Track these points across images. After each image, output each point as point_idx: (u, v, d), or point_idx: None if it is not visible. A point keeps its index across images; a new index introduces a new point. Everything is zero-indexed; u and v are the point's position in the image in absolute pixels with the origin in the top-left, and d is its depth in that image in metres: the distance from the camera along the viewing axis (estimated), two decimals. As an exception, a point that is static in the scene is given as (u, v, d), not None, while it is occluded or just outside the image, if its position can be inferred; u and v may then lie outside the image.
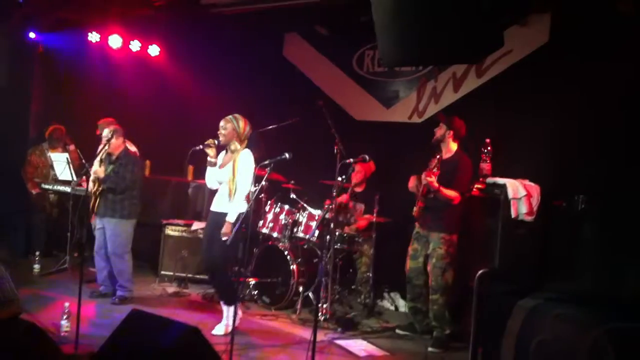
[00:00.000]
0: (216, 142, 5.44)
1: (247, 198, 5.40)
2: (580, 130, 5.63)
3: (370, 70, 7.67)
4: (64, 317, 4.93)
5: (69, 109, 8.16)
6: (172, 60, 8.75)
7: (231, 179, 5.37)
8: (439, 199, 5.52)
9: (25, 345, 3.92)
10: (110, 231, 6.21)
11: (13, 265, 6.33)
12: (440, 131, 5.72)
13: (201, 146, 5.44)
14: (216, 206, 5.54)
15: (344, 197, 6.76)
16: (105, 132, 6.14)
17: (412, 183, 5.88)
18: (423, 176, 5.48)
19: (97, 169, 6.09)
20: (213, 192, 5.69)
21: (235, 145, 5.43)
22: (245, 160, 5.41)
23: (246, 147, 5.48)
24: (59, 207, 7.90)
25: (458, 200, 5.55)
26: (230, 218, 5.31)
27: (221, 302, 5.61)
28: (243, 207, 5.36)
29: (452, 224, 5.66)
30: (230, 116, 5.46)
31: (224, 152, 5.57)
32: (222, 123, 5.44)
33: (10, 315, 4.24)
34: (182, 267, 7.09)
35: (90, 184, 6.22)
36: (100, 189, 6.15)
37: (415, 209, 5.77)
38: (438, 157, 5.63)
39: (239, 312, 5.54)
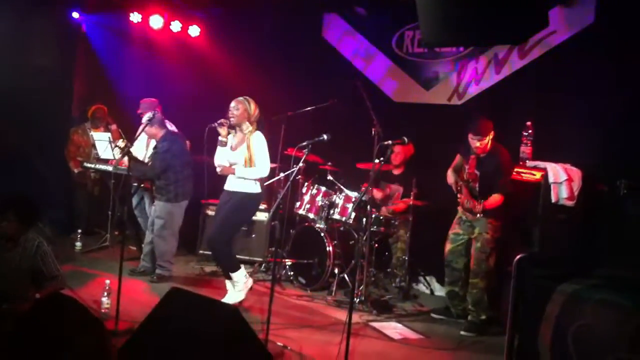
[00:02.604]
0: (228, 122, 5.53)
1: (263, 180, 5.63)
2: (623, 114, 5.49)
3: (410, 51, 7.58)
4: (105, 294, 5.03)
5: (111, 89, 8.27)
6: (212, 41, 8.80)
7: (248, 159, 5.48)
8: (487, 185, 5.50)
9: (67, 321, 4.02)
10: (156, 213, 6.37)
11: (55, 243, 6.48)
12: (483, 141, 5.51)
13: (215, 124, 5.52)
14: (230, 185, 5.64)
15: (379, 193, 6.82)
16: (146, 116, 6.22)
17: (451, 179, 5.82)
18: (475, 206, 5.43)
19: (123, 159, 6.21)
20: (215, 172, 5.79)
21: (246, 125, 5.52)
22: (259, 140, 5.53)
23: (257, 127, 5.59)
24: (100, 186, 8.04)
25: (502, 200, 5.47)
26: (237, 172, 5.51)
27: (227, 274, 5.67)
28: (258, 188, 5.60)
29: (499, 211, 5.57)
30: (241, 97, 5.56)
31: (231, 135, 5.63)
32: (233, 104, 5.53)
33: (53, 291, 4.35)
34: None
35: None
36: None
37: (460, 200, 5.74)
38: (473, 157, 5.56)
39: (249, 280, 5.68)
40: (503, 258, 5.55)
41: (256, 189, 5.59)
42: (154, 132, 6.26)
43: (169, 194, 6.33)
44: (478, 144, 5.53)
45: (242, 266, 5.67)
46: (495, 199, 5.45)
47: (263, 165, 5.52)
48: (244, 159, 5.50)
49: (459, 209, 5.83)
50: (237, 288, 5.61)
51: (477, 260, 5.59)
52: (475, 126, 5.55)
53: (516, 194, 5.63)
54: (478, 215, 5.44)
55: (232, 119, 5.51)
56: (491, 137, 5.54)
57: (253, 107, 5.55)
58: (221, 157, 5.65)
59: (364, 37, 8.02)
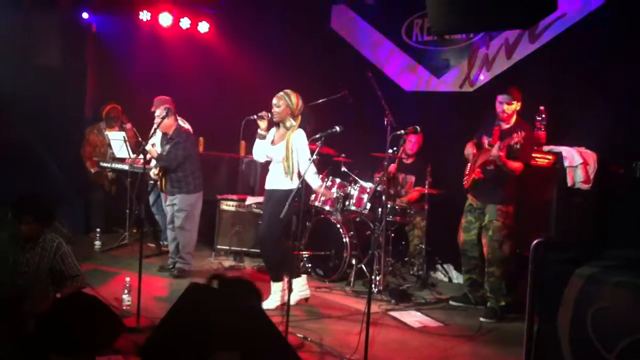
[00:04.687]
0: (269, 115, 5.41)
1: (298, 174, 5.42)
2: (637, 95, 5.45)
3: (420, 39, 7.56)
4: (125, 291, 5.08)
5: (122, 88, 8.32)
6: (222, 37, 8.83)
7: (285, 158, 5.32)
8: (503, 170, 5.44)
9: (89, 318, 4.08)
10: (177, 206, 6.43)
11: (74, 242, 6.56)
12: (512, 107, 5.49)
13: (255, 116, 5.43)
14: (270, 184, 5.53)
15: (392, 167, 6.71)
16: (158, 112, 6.28)
17: (468, 150, 5.81)
18: (495, 149, 5.35)
19: (150, 149, 6.26)
20: (265, 168, 5.70)
21: (290, 121, 5.36)
22: (302, 139, 5.34)
23: (301, 122, 5.40)
24: (117, 185, 8.11)
25: (520, 171, 5.46)
26: (315, 185, 5.46)
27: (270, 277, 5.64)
28: (296, 183, 5.33)
29: (508, 195, 5.58)
30: (281, 93, 5.37)
31: (274, 128, 5.53)
32: (274, 101, 5.36)
33: (75, 290, 4.41)
34: (238, 241, 7.22)
35: (154, 164, 6.45)
36: (160, 168, 6.36)
37: (465, 180, 5.73)
38: (497, 128, 5.54)
39: (284, 287, 5.54)
40: (520, 243, 5.55)
41: (292, 184, 5.32)
42: (169, 124, 6.30)
43: (188, 185, 6.40)
44: (505, 107, 5.49)
45: (298, 279, 5.56)
46: (516, 164, 5.42)
47: (309, 164, 5.17)
48: (281, 156, 5.35)
49: (468, 196, 5.85)
50: (274, 297, 5.53)
51: (491, 248, 5.59)
52: (506, 89, 5.53)
53: (531, 179, 5.63)
54: (492, 156, 5.37)
55: (275, 117, 5.36)
56: (518, 107, 5.51)
57: (295, 101, 5.35)
58: (259, 150, 5.56)
59: (373, 27, 8.00)
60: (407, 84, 7.69)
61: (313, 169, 5.34)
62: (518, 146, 5.30)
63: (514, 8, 3.56)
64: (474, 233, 5.78)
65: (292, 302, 5.43)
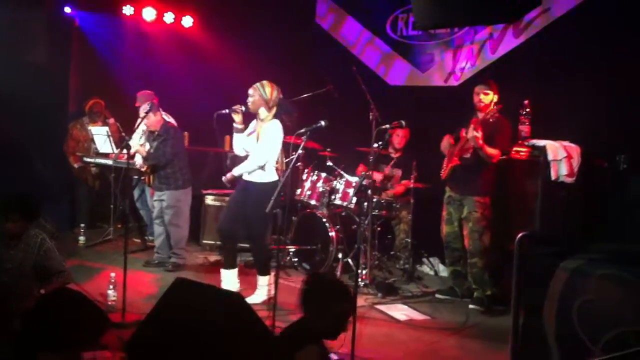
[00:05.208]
0: (243, 108, 5.39)
1: (281, 170, 5.42)
2: (621, 89, 5.50)
3: (405, 34, 7.57)
4: (111, 286, 5.06)
5: (106, 82, 8.26)
6: (206, 31, 8.79)
7: (255, 146, 5.36)
8: (480, 156, 5.47)
9: (74, 314, 4.04)
10: (166, 203, 6.41)
11: (58, 238, 6.51)
12: (488, 98, 5.59)
13: (227, 110, 5.39)
14: (245, 175, 5.51)
15: (377, 176, 6.78)
16: (143, 108, 6.23)
17: (445, 143, 5.85)
18: (470, 130, 5.39)
19: (139, 148, 6.22)
20: (235, 160, 5.70)
21: (263, 112, 5.37)
22: (271, 129, 5.31)
23: (276, 113, 5.38)
24: (100, 180, 8.04)
25: (497, 159, 5.49)
26: (235, 171, 5.41)
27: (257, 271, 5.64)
28: (273, 176, 5.37)
29: (485, 186, 5.64)
30: (257, 84, 5.37)
31: (254, 121, 5.53)
32: (249, 91, 5.37)
33: (60, 285, 4.37)
34: (223, 236, 7.18)
35: (138, 159, 6.41)
36: (149, 165, 6.34)
37: (443, 171, 5.78)
38: (476, 119, 5.57)
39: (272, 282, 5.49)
40: (505, 237, 5.58)
41: (268, 177, 5.35)
42: (156, 121, 6.27)
43: (177, 181, 6.39)
44: (482, 96, 5.58)
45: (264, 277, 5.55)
46: (493, 151, 5.47)
47: (259, 154, 5.31)
48: (254, 146, 5.37)
49: (447, 188, 5.91)
50: (260, 292, 5.52)
51: (472, 239, 5.65)
52: (484, 80, 5.69)
53: (516, 173, 5.67)
54: (469, 137, 5.42)
55: (249, 107, 5.36)
56: (495, 99, 5.58)
57: (269, 92, 5.31)
58: (237, 143, 5.56)
59: (358, 21, 8.01)
60: (392, 78, 7.69)
61: (253, 164, 5.35)
62: (492, 120, 5.38)
63: (499, 3, 3.59)
64: (456, 225, 5.84)
65: (259, 301, 5.46)
